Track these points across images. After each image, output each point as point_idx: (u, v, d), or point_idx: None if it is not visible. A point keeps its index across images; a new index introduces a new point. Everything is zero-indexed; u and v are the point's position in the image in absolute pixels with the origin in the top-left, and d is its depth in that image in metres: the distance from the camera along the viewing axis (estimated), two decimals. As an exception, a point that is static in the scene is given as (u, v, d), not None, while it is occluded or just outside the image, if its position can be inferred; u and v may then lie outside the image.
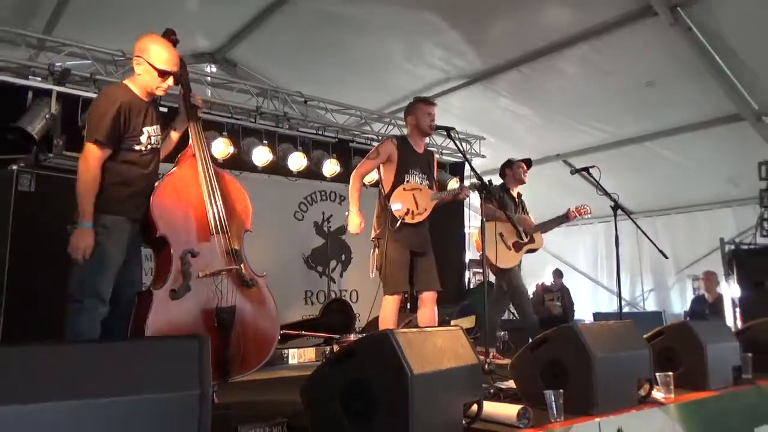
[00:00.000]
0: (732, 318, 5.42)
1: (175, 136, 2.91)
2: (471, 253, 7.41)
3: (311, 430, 1.78)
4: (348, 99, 6.66)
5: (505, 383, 2.58)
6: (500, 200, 4.59)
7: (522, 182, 4.94)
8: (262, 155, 5.62)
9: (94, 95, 4.88)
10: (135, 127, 2.58)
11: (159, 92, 2.70)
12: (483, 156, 7.12)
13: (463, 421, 1.84)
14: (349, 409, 1.69)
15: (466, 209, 6.97)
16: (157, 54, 2.62)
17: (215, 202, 2.60)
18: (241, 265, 2.60)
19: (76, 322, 2.39)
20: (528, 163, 4.98)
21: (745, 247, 5.03)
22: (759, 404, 2.85)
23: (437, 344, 1.87)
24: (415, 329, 1.95)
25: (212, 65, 7.14)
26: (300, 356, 3.63)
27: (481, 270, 7.37)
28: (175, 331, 2.34)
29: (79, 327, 2.38)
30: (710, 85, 5.80)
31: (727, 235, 6.77)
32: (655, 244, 4.35)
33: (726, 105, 6.00)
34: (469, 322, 5.06)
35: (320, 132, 6.43)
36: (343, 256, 6.32)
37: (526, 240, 4.71)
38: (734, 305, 4.85)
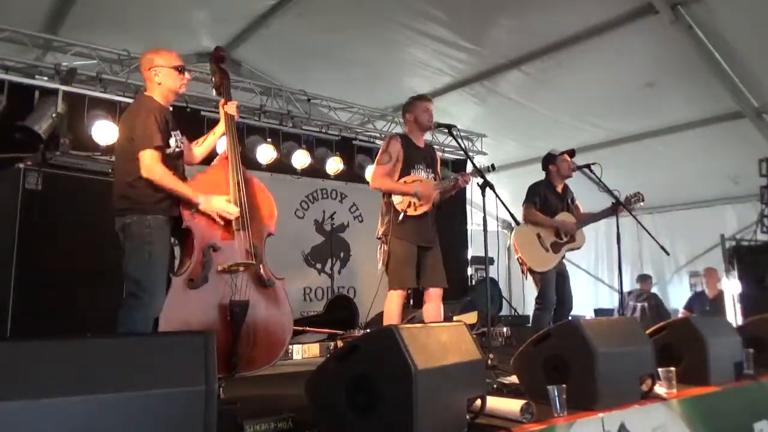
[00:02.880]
0: (733, 314, 5.45)
1: (212, 140, 3.11)
2: (473, 250, 7.45)
3: (317, 424, 1.81)
4: (351, 98, 6.69)
5: (508, 378, 2.61)
6: (544, 203, 4.55)
7: (568, 176, 4.70)
8: (266, 153, 5.66)
9: (101, 94, 4.95)
10: (167, 132, 2.75)
11: (182, 89, 2.94)
12: (485, 153, 7.15)
13: (467, 416, 1.86)
14: (354, 403, 1.71)
15: (468, 206, 7.01)
16: (167, 57, 2.87)
17: (241, 201, 2.72)
18: (261, 264, 2.70)
19: (133, 316, 2.53)
20: (572, 153, 4.73)
21: (746, 243, 5.05)
22: (760, 399, 2.87)
23: (441, 340, 1.89)
24: (418, 325, 1.98)
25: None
26: (304, 352, 3.66)
27: (484, 267, 7.42)
28: (188, 318, 2.43)
29: (135, 321, 2.51)
30: (711, 82, 5.80)
31: (728, 231, 6.79)
32: (656, 240, 4.37)
33: (726, 102, 6.00)
34: (471, 318, 5.08)
35: (323, 130, 6.47)
36: (342, 254, 6.37)
37: (565, 239, 4.54)
38: (735, 301, 4.87)
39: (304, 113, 6.29)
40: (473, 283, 7.27)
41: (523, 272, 4.51)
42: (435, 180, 3.79)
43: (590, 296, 8.35)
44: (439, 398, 1.74)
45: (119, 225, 2.66)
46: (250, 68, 7.07)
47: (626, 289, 8.34)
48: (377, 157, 3.79)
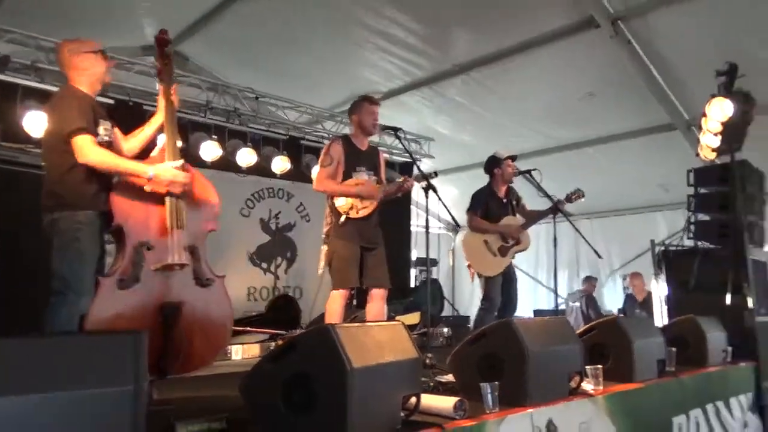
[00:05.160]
0: (660, 315, 5.75)
1: (148, 132, 2.97)
2: (418, 251, 7.56)
3: (252, 424, 1.80)
4: (300, 97, 6.65)
5: (445, 377, 2.67)
6: (487, 210, 4.64)
7: (510, 181, 4.82)
8: (210, 150, 5.56)
9: (36, 84, 4.74)
10: (93, 120, 2.63)
11: (108, 77, 2.82)
12: (432, 157, 7.26)
13: (402, 414, 1.89)
14: (290, 402, 1.72)
15: (412, 207, 7.10)
16: (87, 43, 2.77)
17: (177, 197, 2.59)
18: (199, 262, 2.60)
19: (59, 315, 2.45)
20: (514, 158, 4.85)
21: (673, 248, 5.33)
22: (679, 395, 3.05)
23: (378, 338, 1.92)
24: (356, 324, 2.00)
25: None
26: (244, 352, 3.62)
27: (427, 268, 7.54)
28: (117, 320, 2.32)
29: (60, 319, 2.43)
30: (646, 95, 6.10)
31: (658, 237, 7.16)
32: (590, 244, 4.57)
33: (660, 115, 6.33)
34: (413, 318, 5.15)
35: (271, 129, 6.41)
36: (288, 253, 6.33)
37: (512, 243, 4.66)
38: (662, 303, 5.15)
39: (252, 111, 6.21)
40: (416, 284, 7.37)
41: (471, 278, 4.61)
42: (377, 182, 3.83)
43: (530, 298, 8.63)
44: (374, 396, 1.76)
45: (47, 221, 2.57)
46: (197, 63, 6.93)
47: (563, 290, 8.70)
48: (320, 160, 3.80)
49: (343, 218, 3.61)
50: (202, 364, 2.54)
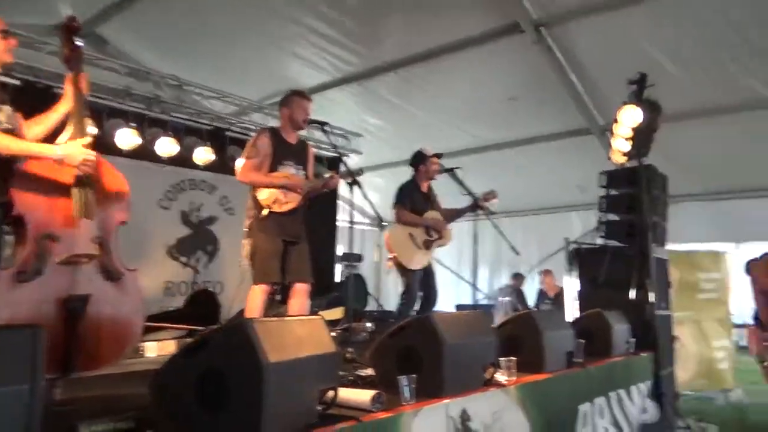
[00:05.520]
0: (572, 309, 6.07)
1: (54, 118, 2.71)
2: (343, 246, 7.56)
3: (161, 423, 1.74)
4: (226, 87, 6.48)
5: (365, 371, 2.69)
6: (413, 203, 4.70)
7: (433, 178, 4.91)
8: (128, 138, 5.30)
9: None
10: None
11: (8, 57, 2.57)
12: (360, 152, 7.28)
13: (319, 408, 1.89)
14: (202, 399, 1.68)
15: (339, 202, 7.08)
16: None
17: (85, 187, 2.43)
18: (108, 255, 2.47)
19: None
20: (439, 156, 4.94)
21: (585, 246, 5.64)
22: (585, 384, 3.24)
23: (296, 333, 1.91)
24: (273, 318, 1.98)
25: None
26: (160, 349, 3.48)
27: (352, 263, 7.56)
28: (15, 315, 2.16)
29: None
30: (565, 100, 6.41)
31: (574, 235, 7.54)
32: (508, 241, 4.75)
33: (577, 120, 6.67)
34: (337, 313, 5.15)
35: (194, 119, 6.19)
36: (209, 247, 6.15)
37: (435, 237, 4.76)
38: (574, 298, 5.43)
39: (174, 99, 5.98)
40: (341, 279, 7.38)
41: (390, 268, 4.67)
42: (305, 177, 3.80)
43: (452, 293, 8.86)
44: (291, 390, 1.75)
45: None
46: (116, 47, 6.58)
47: (485, 286, 9.00)
48: (245, 151, 3.72)
49: (265, 212, 3.55)
50: (109, 362, 2.42)
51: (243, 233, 3.71)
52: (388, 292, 8.72)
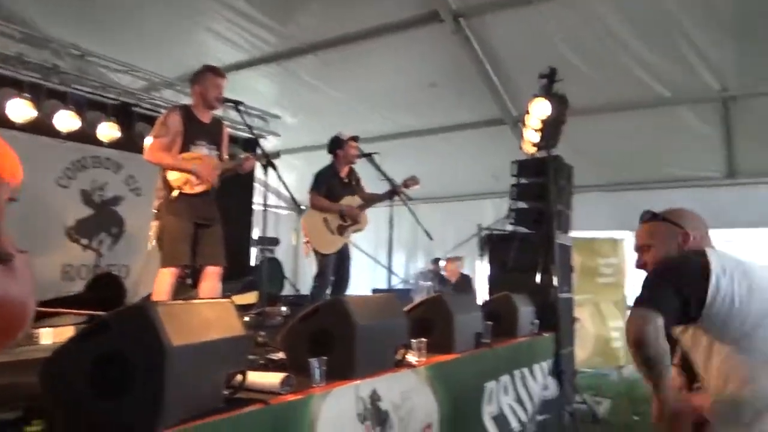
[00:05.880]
0: (483, 293, 6.34)
1: None
2: (261, 230, 7.43)
3: (52, 412, 1.64)
4: (135, 61, 6.11)
5: (277, 354, 2.66)
6: (330, 189, 4.68)
7: (352, 162, 4.91)
8: (21, 110, 4.89)
9: None
10: None
11: None
12: (278, 135, 7.14)
13: (226, 392, 1.85)
14: (98, 385, 1.59)
15: (255, 185, 6.93)
16: None
17: None
18: None
19: None
20: (356, 139, 4.95)
21: (496, 233, 5.88)
22: (492, 363, 3.38)
23: (203, 316, 1.85)
24: (179, 301, 1.91)
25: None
26: (56, 336, 3.26)
27: (268, 247, 7.45)
28: None
29: None
30: (482, 90, 6.59)
31: (487, 222, 7.83)
32: (422, 227, 4.86)
33: (493, 110, 6.89)
34: (251, 297, 5.06)
35: (99, 92, 5.81)
36: (113, 229, 5.82)
37: (350, 222, 4.77)
38: (486, 282, 5.66)
39: (75, 70, 5.57)
40: (257, 263, 7.25)
41: (307, 252, 4.67)
42: (219, 158, 3.68)
43: (369, 277, 8.95)
44: (196, 375, 1.70)
45: None
46: (9, 9, 6.02)
47: (401, 270, 9.15)
48: (153, 129, 3.54)
49: (175, 193, 3.42)
50: (-4, 349, 2.24)
51: (151, 215, 3.55)
52: (306, 277, 8.65)
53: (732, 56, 5.46)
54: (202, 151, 3.57)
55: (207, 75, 3.65)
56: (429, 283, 8.35)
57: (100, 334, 1.64)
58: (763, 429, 1.54)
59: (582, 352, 6.97)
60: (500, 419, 3.42)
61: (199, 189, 3.49)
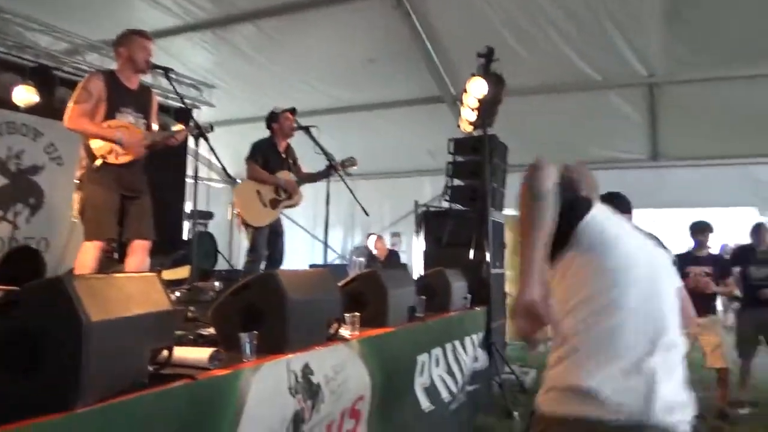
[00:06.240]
0: (419, 268, 6.46)
1: None
2: (195, 204, 7.20)
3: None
4: (57, 21, 5.71)
5: (207, 330, 2.61)
6: (266, 161, 4.57)
7: (290, 135, 4.82)
8: None
9: None
10: None
11: None
12: (213, 105, 6.91)
13: (150, 368, 1.80)
14: (11, 364, 1.50)
15: (189, 156, 6.70)
16: None
17: None
18: None
19: None
20: (293, 111, 4.85)
21: (432, 209, 5.97)
22: (424, 336, 3.46)
23: (126, 290, 1.78)
24: (99, 275, 1.82)
25: None
26: (-35, 313, 3.07)
27: (201, 221, 7.25)
28: None
29: None
30: (421, 67, 6.60)
31: (425, 199, 7.94)
32: (358, 202, 4.87)
33: (431, 87, 6.92)
34: (183, 272, 4.93)
35: (14, 53, 5.40)
36: (32, 200, 5.48)
37: (284, 197, 4.69)
38: (422, 258, 5.76)
39: (-12, 28, 5.15)
40: (189, 237, 7.05)
41: (238, 225, 4.59)
42: (147, 128, 3.51)
43: (307, 252, 8.92)
44: (117, 351, 1.64)
45: None
46: None
47: (338, 246, 9.16)
48: (74, 95, 3.32)
49: (99, 162, 3.25)
50: None
51: (74, 185, 3.37)
52: (241, 252, 8.50)
53: (658, 44, 5.70)
54: (128, 119, 3.39)
55: (133, 37, 3.46)
56: (361, 258, 8.42)
57: (11, 309, 1.55)
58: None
59: (512, 325, 7.23)
60: (431, 390, 3.52)
61: (124, 159, 3.33)
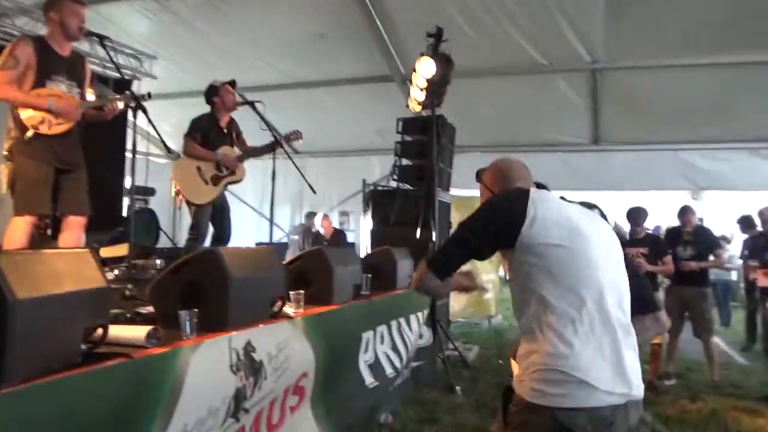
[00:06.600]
0: (367, 246, 6.49)
1: None
2: (136, 179, 6.95)
3: None
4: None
5: (146, 308, 2.55)
6: (205, 137, 4.44)
7: (232, 109, 4.66)
8: None
9: None
10: None
11: None
12: (154, 77, 6.64)
13: (84, 346, 1.75)
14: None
15: (129, 130, 6.43)
16: None
17: None
18: None
19: None
20: (233, 84, 4.70)
21: (380, 188, 5.99)
22: (369, 314, 3.49)
23: (56, 267, 1.71)
24: (27, 251, 1.75)
25: None
26: None
27: (142, 197, 7.03)
28: None
29: None
30: (371, 46, 6.54)
31: (373, 178, 7.95)
32: (306, 179, 4.82)
33: (381, 66, 6.88)
34: (121, 250, 4.77)
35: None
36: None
37: (226, 173, 4.56)
38: (369, 236, 5.80)
39: None
40: (129, 213, 6.82)
41: (179, 203, 4.47)
42: (81, 97, 3.35)
43: (254, 230, 8.80)
44: (46, 329, 1.58)
45: None
46: None
47: (286, 224, 9.09)
48: (0, 60, 3.13)
49: (30, 133, 3.08)
50: None
51: (2, 157, 3.19)
52: (185, 229, 8.32)
53: (601, 30, 5.86)
54: (60, 87, 3.22)
55: (64, 2, 3.26)
56: (296, 236, 8.39)
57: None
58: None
59: (457, 303, 7.41)
60: (376, 366, 3.57)
61: (58, 129, 3.17)
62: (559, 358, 1.58)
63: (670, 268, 5.09)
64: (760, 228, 6.32)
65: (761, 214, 6.09)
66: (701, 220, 7.34)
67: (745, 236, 6.93)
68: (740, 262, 7.34)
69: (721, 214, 8.47)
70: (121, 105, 3.45)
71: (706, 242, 5.26)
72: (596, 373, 1.56)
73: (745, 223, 6.85)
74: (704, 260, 5.18)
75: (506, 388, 1.78)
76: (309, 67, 7.12)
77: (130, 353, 1.80)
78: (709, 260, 5.22)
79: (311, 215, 8.39)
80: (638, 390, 1.63)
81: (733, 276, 9.15)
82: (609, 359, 1.60)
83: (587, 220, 1.79)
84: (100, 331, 1.82)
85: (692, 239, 5.23)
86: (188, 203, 4.40)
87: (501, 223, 1.73)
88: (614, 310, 1.66)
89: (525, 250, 1.68)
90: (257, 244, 7.81)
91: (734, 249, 8.40)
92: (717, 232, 6.75)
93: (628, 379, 1.60)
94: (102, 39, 3.35)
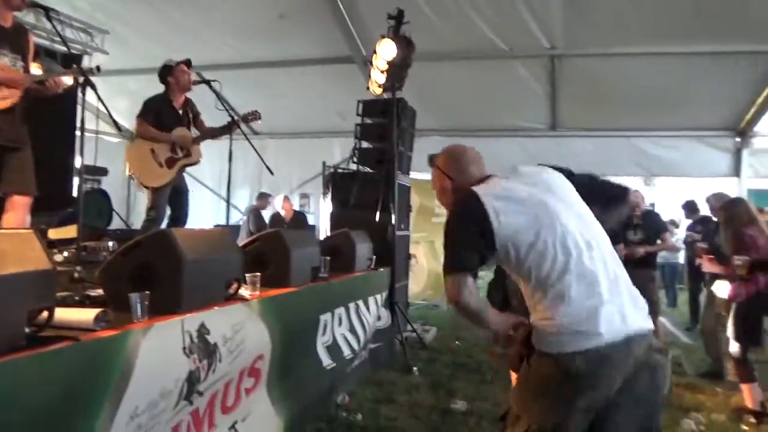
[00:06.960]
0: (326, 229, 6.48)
1: None
2: (87, 159, 6.72)
3: None
4: None
5: (96, 291, 2.49)
6: (159, 118, 4.32)
7: (187, 89, 4.52)
8: None
9: None
10: None
11: None
12: (106, 53, 6.40)
13: (28, 329, 1.70)
14: None
15: (79, 107, 6.20)
16: None
17: None
18: None
19: None
20: (188, 63, 4.56)
21: (340, 171, 5.97)
22: (327, 296, 3.50)
23: (-2, 248, 1.66)
24: (-35, 231, 1.68)
25: None
26: None
27: (93, 177, 6.81)
28: None
29: None
30: (332, 26, 6.46)
31: (333, 161, 7.90)
32: (264, 161, 4.76)
33: (342, 47, 6.80)
34: (70, 231, 4.62)
35: None
36: None
37: (181, 155, 4.43)
38: (329, 219, 5.78)
39: None
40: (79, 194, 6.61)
41: (138, 186, 4.35)
42: (25, 71, 3.21)
43: (213, 212, 8.67)
44: (-13, 312, 1.53)
45: None
46: None
47: (244, 205, 8.97)
48: None
49: (-31, 109, 2.93)
50: None
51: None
52: (140, 211, 8.10)
53: (560, 17, 5.94)
54: (2, 60, 3.08)
55: None
56: (244, 217, 8.32)
57: None
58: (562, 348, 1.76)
59: (416, 285, 7.50)
60: (333, 348, 3.59)
61: (2, 105, 3.03)
62: (555, 320, 1.76)
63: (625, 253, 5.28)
64: (703, 213, 6.60)
65: (708, 200, 6.34)
66: (653, 205, 7.59)
67: (689, 221, 7.24)
68: (683, 247, 7.67)
69: (672, 199, 8.79)
70: (69, 81, 3.31)
71: (654, 226, 5.45)
72: (587, 325, 1.72)
73: (689, 207, 7.15)
74: (653, 244, 5.37)
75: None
76: (269, 47, 6.99)
77: (78, 336, 1.77)
78: (657, 244, 5.43)
79: (263, 196, 8.29)
80: (637, 324, 1.77)
81: (681, 259, 9.53)
82: (597, 305, 1.74)
83: (534, 190, 1.90)
84: (45, 314, 1.78)
85: (641, 223, 5.41)
86: (145, 186, 4.28)
87: (475, 230, 1.83)
88: (594, 261, 1.82)
89: (503, 245, 1.81)
90: (215, 226, 7.70)
91: (681, 233, 8.73)
92: (667, 217, 7.01)
93: (623, 315, 1.75)
94: (47, 10, 3.19)
